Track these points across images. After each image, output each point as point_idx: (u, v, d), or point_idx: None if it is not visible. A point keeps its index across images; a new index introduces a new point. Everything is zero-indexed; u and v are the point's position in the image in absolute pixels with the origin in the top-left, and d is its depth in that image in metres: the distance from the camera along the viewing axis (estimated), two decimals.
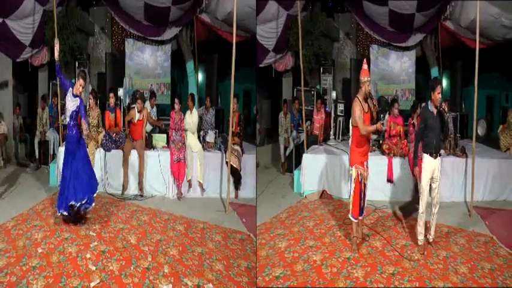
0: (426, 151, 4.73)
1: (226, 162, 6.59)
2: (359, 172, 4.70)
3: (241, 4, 6.97)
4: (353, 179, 4.73)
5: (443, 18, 8.95)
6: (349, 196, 4.96)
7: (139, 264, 4.33)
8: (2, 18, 8.08)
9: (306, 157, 6.99)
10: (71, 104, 5.09)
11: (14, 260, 4.26)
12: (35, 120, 8.74)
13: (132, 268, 4.23)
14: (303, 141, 7.39)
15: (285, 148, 8.52)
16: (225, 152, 6.74)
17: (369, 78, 4.69)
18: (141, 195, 6.69)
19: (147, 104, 7.70)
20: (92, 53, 9.94)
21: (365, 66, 4.76)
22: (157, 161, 6.78)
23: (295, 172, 7.29)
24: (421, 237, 4.77)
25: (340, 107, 8.43)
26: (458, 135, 7.80)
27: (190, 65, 9.71)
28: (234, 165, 6.63)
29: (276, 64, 9.51)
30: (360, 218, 4.82)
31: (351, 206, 4.77)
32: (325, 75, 9.89)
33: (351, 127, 4.80)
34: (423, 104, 6.55)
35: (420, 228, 4.77)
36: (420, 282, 4.09)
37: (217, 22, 9.02)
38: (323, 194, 6.82)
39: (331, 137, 8.31)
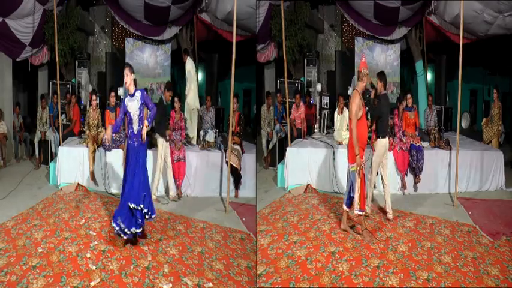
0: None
1: (226, 162, 6.59)
2: (362, 166, 4.78)
3: (242, 3, 6.98)
4: (356, 175, 4.78)
5: (428, 13, 8.95)
6: (354, 190, 4.84)
7: (139, 263, 4.33)
8: (2, 17, 8.07)
9: (290, 151, 6.91)
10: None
11: (14, 259, 4.27)
12: (35, 119, 8.74)
13: (132, 267, 4.23)
14: (287, 134, 7.30)
15: (268, 141, 8.33)
16: (225, 151, 6.73)
17: (368, 71, 4.78)
18: None
19: None
20: (92, 53, 9.94)
21: (363, 58, 4.85)
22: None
23: (279, 166, 7.22)
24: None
25: (325, 99, 8.35)
26: (442, 127, 7.94)
27: None
28: (234, 165, 6.63)
29: (258, 55, 9.21)
30: (349, 209, 4.90)
31: (357, 200, 4.80)
32: (310, 67, 9.71)
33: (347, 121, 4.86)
34: (409, 96, 6.66)
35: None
36: (405, 274, 4.11)
37: (217, 21, 9.01)
38: (307, 188, 6.77)
39: (316, 130, 8.13)
